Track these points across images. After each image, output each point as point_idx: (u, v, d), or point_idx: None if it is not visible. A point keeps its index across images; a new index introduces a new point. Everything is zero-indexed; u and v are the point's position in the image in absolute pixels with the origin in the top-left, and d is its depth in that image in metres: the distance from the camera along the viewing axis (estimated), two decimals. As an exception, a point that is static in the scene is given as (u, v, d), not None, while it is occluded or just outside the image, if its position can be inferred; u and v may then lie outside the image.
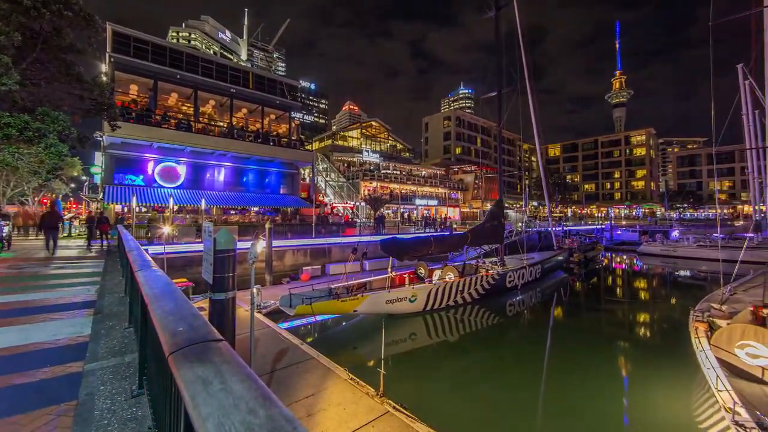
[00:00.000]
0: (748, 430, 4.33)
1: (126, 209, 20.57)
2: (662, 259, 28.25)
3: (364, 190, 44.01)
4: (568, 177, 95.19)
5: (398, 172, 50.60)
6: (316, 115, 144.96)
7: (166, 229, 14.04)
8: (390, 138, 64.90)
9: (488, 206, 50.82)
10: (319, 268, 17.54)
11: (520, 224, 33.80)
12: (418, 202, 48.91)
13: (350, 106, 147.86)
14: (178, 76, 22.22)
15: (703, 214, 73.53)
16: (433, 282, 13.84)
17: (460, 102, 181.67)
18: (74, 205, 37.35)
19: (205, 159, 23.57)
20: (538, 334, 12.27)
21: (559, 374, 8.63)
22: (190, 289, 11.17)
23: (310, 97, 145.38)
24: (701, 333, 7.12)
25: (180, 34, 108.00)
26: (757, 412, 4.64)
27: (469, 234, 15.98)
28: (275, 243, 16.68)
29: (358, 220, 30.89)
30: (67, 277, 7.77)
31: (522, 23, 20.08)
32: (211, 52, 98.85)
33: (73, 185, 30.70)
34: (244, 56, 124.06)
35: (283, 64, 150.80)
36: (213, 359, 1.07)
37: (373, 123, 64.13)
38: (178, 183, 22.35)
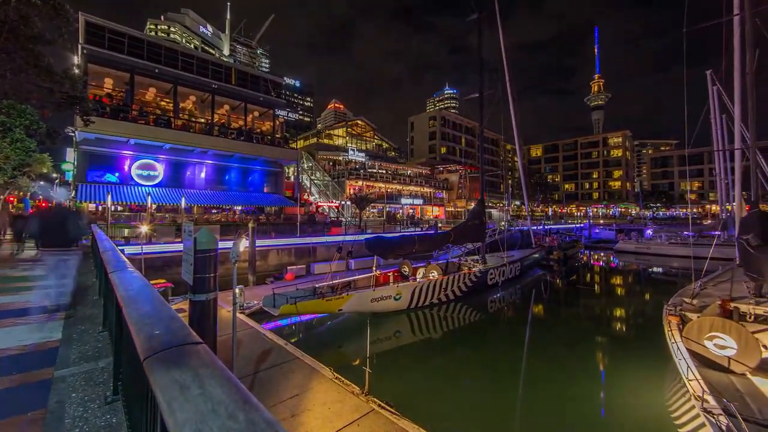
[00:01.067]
0: (715, 416, 4.54)
1: (101, 208, 19.75)
2: (637, 256, 29.44)
3: (349, 189, 43.82)
4: (549, 177, 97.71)
5: (384, 171, 50.65)
6: (301, 112, 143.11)
7: (144, 229, 13.57)
8: (376, 137, 64.85)
9: (472, 205, 51.58)
10: (303, 268, 17.35)
11: (503, 223, 34.47)
12: (403, 201, 49.12)
13: (336, 105, 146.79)
14: (157, 71, 21.47)
15: (674, 213, 76.98)
16: (417, 280, 13.95)
17: (446, 102, 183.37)
18: (43, 204, 35.57)
19: (186, 156, 22.90)
20: (519, 330, 12.56)
21: (539, 368, 8.87)
22: (169, 291, 10.83)
23: (295, 95, 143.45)
24: (674, 326, 7.45)
25: (159, 27, 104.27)
26: (724, 399, 4.89)
27: (452, 233, 16.19)
28: (259, 243, 16.39)
29: (343, 219, 30.75)
30: (37, 279, 7.40)
31: (503, 27, 20.45)
32: (192, 46, 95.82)
33: (42, 183, 29.20)
34: (226, 51, 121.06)
35: (267, 61, 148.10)
36: (191, 363, 1.04)
37: (359, 122, 63.91)
38: (157, 181, 21.63)
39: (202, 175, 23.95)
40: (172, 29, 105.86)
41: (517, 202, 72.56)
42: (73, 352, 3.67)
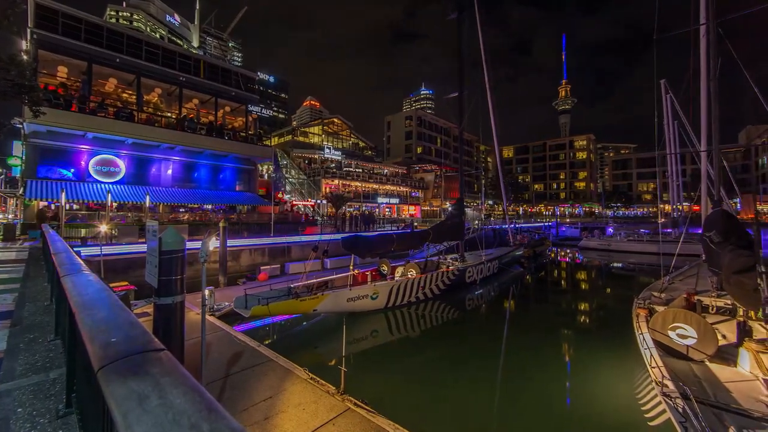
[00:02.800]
0: (673, 399, 4.88)
1: (54, 206, 18.29)
2: (599, 252, 31.22)
3: (325, 188, 43.30)
4: (520, 177, 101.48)
5: (360, 171, 50.49)
6: (275, 109, 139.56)
7: (103, 228, 12.71)
8: (352, 136, 64.50)
9: (447, 205, 52.56)
10: (278, 268, 16.95)
11: (477, 222, 35.36)
12: (380, 200, 49.19)
13: (312, 102, 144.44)
14: (118, 60, 20.15)
15: (633, 212, 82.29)
16: (396, 279, 14.00)
17: (422, 102, 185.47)
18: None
19: (151, 152, 21.68)
20: (495, 326, 12.92)
21: (513, 363, 9.18)
22: (131, 294, 10.22)
23: (269, 90, 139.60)
24: (642, 318, 7.90)
25: (120, 14, 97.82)
26: (681, 384, 5.25)
27: (431, 231, 16.37)
28: (231, 242, 15.82)
29: (318, 218, 30.34)
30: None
31: (483, 26, 20.88)
32: (157, 36, 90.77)
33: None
34: (195, 43, 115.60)
35: (240, 54, 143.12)
36: (151, 371, 0.97)
37: (336, 119, 63.31)
38: (118, 178, 20.33)
39: (169, 172, 22.78)
40: (135, 17, 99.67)
41: (490, 202, 74.67)
42: (19, 363, 3.37)
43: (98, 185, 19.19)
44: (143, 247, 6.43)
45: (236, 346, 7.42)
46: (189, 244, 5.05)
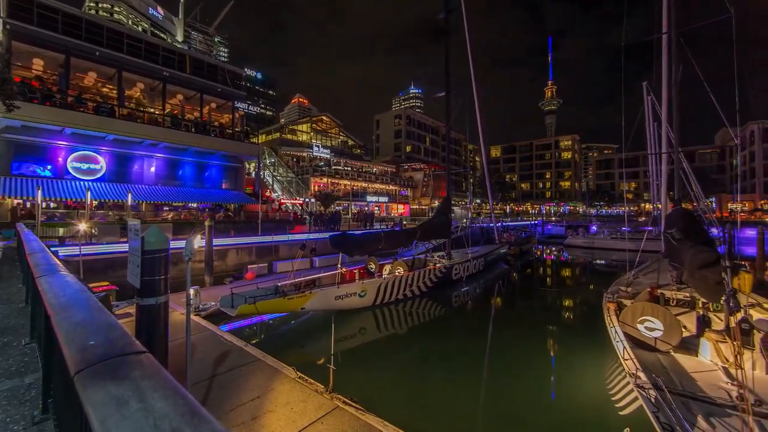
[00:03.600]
0: (646, 390, 5.09)
1: (29, 204, 17.59)
2: (583, 250, 32.02)
3: (314, 186, 42.98)
4: (507, 176, 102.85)
5: (349, 169, 50.30)
6: (262, 106, 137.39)
7: (83, 227, 12.30)
8: (341, 134, 64.13)
9: (436, 203, 52.90)
10: (265, 267, 16.76)
11: (465, 220, 35.70)
12: (369, 198, 49.14)
13: (300, 99, 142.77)
14: (98, 53, 19.48)
15: (615, 211, 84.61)
16: (384, 277, 14.04)
17: (411, 101, 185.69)
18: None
19: (133, 149, 21.06)
20: (481, 323, 13.11)
21: (499, 358, 9.33)
22: (113, 294, 9.93)
23: (257, 87, 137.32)
24: (612, 312, 8.18)
25: (100, 5, 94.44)
26: (653, 375, 5.49)
27: (418, 229, 16.46)
28: (217, 241, 15.56)
29: (307, 217, 30.09)
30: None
31: (470, 27, 21.04)
32: (140, 29, 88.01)
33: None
34: (180, 37, 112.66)
35: (226, 50, 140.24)
36: (131, 375, 0.95)
37: (324, 117, 62.81)
38: (98, 175, 19.69)
39: (152, 169, 22.19)
40: (116, 9, 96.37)
41: (478, 200, 75.52)
42: (-8, 368, 3.24)
43: (77, 183, 18.54)
44: (125, 247, 6.28)
45: (223, 346, 7.31)
46: (173, 244, 4.93)
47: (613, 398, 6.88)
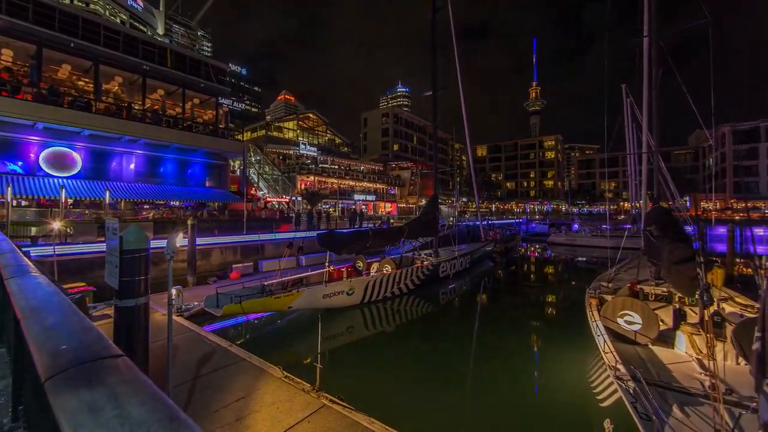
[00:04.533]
0: (624, 382, 5.27)
1: (-2, 202, 16.74)
2: (566, 247, 32.84)
3: (300, 185, 42.52)
4: (493, 176, 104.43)
5: (337, 167, 50.01)
6: (248, 102, 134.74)
7: (56, 226, 11.80)
8: (328, 132, 63.64)
9: (423, 202, 53.20)
10: (251, 266, 16.49)
11: (451, 218, 36.05)
12: (356, 197, 48.97)
13: (286, 96, 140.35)
14: (72, 45, 18.64)
15: (596, 210, 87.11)
16: (371, 275, 14.03)
17: (398, 100, 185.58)
18: None
19: (111, 145, 20.31)
20: (467, 320, 13.29)
21: (485, 354, 9.49)
22: (90, 296, 9.58)
23: (242, 83, 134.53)
24: (594, 307, 8.43)
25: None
26: (632, 367, 5.68)
27: (406, 227, 16.53)
28: (200, 241, 15.20)
29: (293, 215, 29.76)
30: None
31: (456, 27, 21.17)
32: (118, 20, 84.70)
33: None
34: (160, 30, 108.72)
35: (210, 44, 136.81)
36: (107, 380, 0.91)
37: (311, 115, 62.18)
38: (74, 172, 18.90)
39: (132, 166, 21.46)
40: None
41: (464, 199, 76.36)
42: (-43, 374, 3.06)
43: (50, 180, 17.75)
44: (103, 246, 6.03)
45: (206, 346, 7.16)
46: (154, 243, 4.78)
47: (594, 390, 7.09)
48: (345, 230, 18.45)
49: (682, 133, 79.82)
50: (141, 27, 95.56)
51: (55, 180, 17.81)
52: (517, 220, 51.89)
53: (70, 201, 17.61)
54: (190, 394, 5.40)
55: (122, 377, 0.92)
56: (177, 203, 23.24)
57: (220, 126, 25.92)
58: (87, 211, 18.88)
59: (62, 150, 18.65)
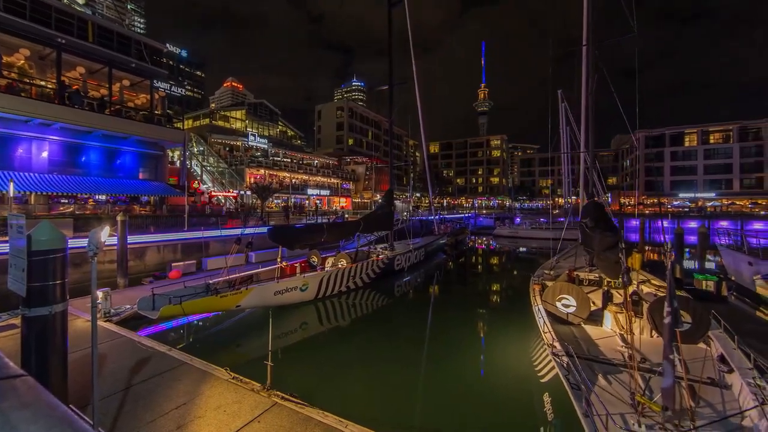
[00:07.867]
0: (559, 357, 5.89)
1: None
2: (509, 239, 35.46)
3: (250, 178, 40.30)
4: (444, 172, 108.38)
5: (289, 160, 48.19)
6: (189, 88, 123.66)
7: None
8: (280, 123, 60.94)
9: (378, 197, 53.55)
10: (193, 264, 15.30)
11: (405, 213, 36.80)
12: (310, 191, 47.73)
13: (233, 83, 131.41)
14: (-41, 5, 15.50)
15: (536, 205, 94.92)
16: (326, 269, 13.82)
17: (353, 94, 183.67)
18: None
19: (16, 129, 17.37)
20: (421, 310, 13.73)
21: (437, 342, 9.88)
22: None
23: (182, 66, 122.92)
24: (536, 292, 9.22)
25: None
26: (566, 344, 6.39)
27: (362, 221, 16.52)
28: (133, 238, 13.75)
29: (241, 211, 28.15)
30: None
31: (412, 21, 21.38)
32: (22, -19, 72.08)
33: None
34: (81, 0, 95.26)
35: (143, 20, 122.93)
36: (1, 407, 0.77)
37: (262, 104, 58.95)
38: (-35, 158, 15.86)
39: (44, 154, 18.59)
40: (-14, -48, 77.49)
41: (417, 194, 78.29)
42: None
43: (-68, 167, 14.72)
44: (5, 247, 5.15)
45: (141, 352, 6.54)
46: (75, 242, 4.18)
47: (535, 368, 7.78)
48: (298, 224, 17.93)
49: (604, 136, 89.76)
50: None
51: (-61, 168, 14.81)
52: (467, 215, 54.65)
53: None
54: (121, 405, 4.90)
55: (21, 401, 0.78)
56: (104, 197, 20.69)
57: (156, 112, 23.46)
58: (-15, 206, 16.02)
59: (-52, 132, 15.55)
